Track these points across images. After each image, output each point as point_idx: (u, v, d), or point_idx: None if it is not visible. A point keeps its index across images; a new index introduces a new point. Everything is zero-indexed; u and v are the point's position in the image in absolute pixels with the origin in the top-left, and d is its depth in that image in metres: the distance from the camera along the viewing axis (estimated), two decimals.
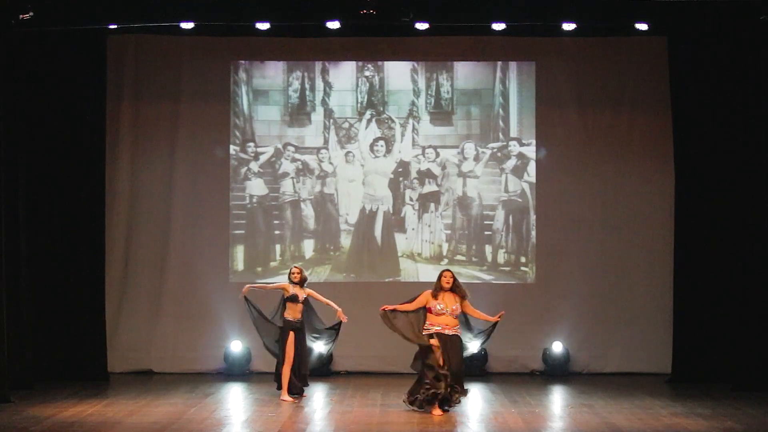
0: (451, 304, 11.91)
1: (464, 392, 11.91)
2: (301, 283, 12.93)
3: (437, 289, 11.99)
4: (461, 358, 11.94)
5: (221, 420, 11.53)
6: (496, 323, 12.18)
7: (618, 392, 13.53)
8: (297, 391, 12.89)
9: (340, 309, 12.91)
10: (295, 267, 13.10)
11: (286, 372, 12.82)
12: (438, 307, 11.88)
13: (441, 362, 11.78)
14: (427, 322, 11.93)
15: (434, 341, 11.84)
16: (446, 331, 11.86)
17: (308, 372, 13.13)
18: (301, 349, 12.89)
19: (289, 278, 12.95)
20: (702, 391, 13.51)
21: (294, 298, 12.84)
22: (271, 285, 13.45)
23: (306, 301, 12.97)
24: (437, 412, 11.76)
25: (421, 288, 14.77)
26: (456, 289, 11.97)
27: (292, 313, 12.86)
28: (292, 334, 12.82)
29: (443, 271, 12.16)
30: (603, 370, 15.25)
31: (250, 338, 15.15)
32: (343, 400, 12.89)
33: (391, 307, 12.05)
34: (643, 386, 14.09)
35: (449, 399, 11.83)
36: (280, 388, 12.87)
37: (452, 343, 11.86)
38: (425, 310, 11.97)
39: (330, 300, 13.03)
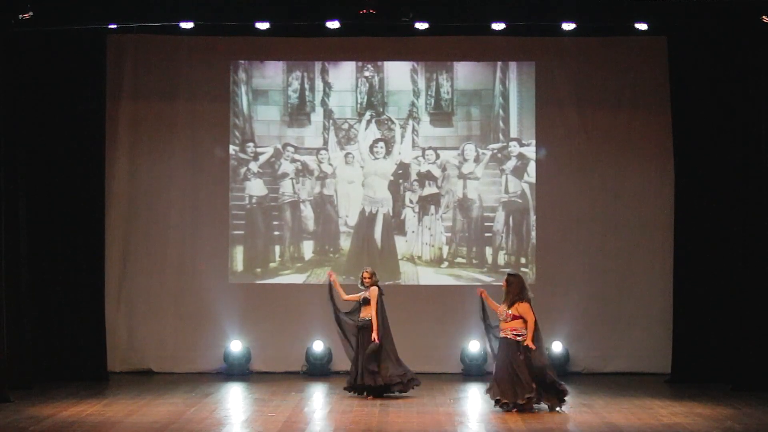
0: (504, 310, 12.20)
1: None
2: (371, 285, 13.08)
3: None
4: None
5: (221, 420, 11.53)
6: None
7: (618, 392, 13.53)
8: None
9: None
10: (366, 271, 13.14)
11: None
12: (502, 313, 12.27)
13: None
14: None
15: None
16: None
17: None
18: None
19: (362, 282, 13.06)
20: (702, 391, 13.50)
21: (366, 302, 13.01)
22: (352, 297, 13.25)
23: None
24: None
25: (420, 291, 15.03)
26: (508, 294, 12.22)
27: (365, 314, 13.06)
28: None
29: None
30: (603, 370, 15.23)
31: (250, 338, 15.17)
32: (343, 400, 12.87)
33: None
34: (643, 386, 14.07)
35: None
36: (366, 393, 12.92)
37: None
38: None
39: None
